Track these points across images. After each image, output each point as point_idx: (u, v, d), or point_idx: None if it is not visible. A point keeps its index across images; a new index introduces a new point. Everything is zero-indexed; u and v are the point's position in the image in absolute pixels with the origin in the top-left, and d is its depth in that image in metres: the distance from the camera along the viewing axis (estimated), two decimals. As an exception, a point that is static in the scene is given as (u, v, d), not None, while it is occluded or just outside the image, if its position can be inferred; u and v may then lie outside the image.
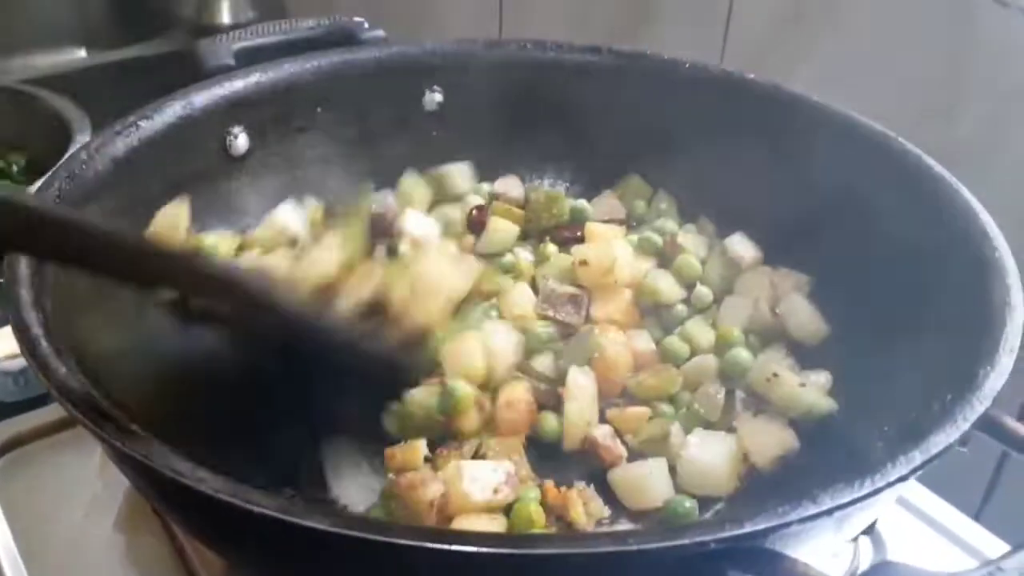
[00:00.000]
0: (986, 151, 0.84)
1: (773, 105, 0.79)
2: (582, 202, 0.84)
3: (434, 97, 0.86)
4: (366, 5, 1.49)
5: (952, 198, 0.66)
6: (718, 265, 0.79)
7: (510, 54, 0.86)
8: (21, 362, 0.87)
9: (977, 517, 0.77)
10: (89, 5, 2.01)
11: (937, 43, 0.87)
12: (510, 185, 0.87)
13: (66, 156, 0.62)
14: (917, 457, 0.45)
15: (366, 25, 0.86)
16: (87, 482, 0.74)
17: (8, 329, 0.93)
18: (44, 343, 0.51)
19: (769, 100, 0.79)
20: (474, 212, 0.83)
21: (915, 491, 0.77)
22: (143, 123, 0.71)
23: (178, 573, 0.67)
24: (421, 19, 1.38)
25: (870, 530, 0.69)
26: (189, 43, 1.64)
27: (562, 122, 0.86)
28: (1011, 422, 0.50)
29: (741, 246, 0.79)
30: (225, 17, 1.68)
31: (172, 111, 0.73)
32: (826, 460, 0.64)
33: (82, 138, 1.16)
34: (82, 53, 2.00)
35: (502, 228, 0.82)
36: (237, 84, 0.77)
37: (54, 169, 0.64)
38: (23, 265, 0.56)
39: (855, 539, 0.69)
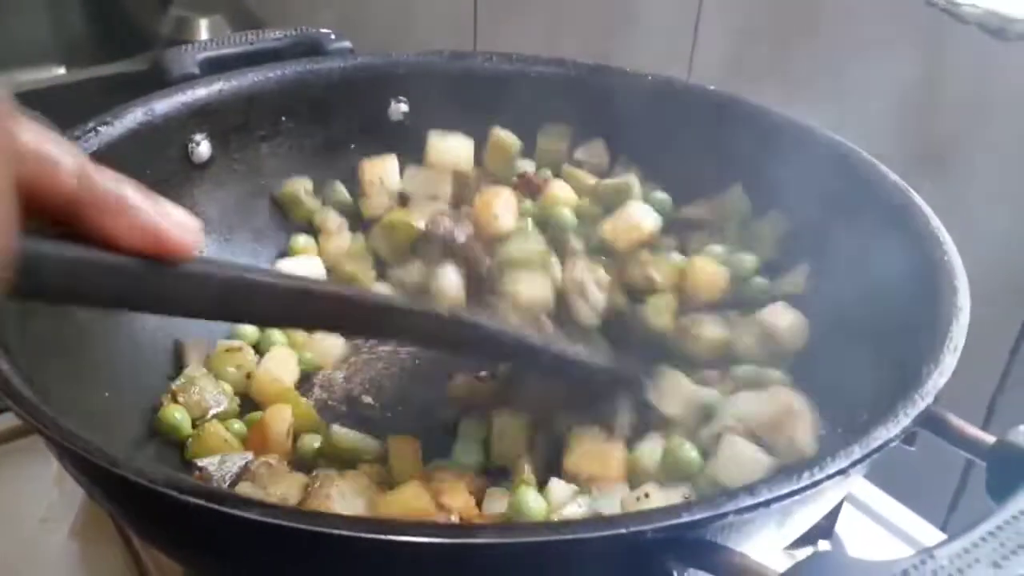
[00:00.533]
0: (954, 163, 0.86)
1: (731, 116, 0.80)
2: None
3: (399, 107, 0.86)
4: (343, 22, 1.51)
5: (906, 204, 0.67)
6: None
7: (475, 66, 0.86)
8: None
9: (944, 527, 0.78)
10: (68, 23, 2.02)
11: (905, 58, 0.88)
12: (595, 152, 0.86)
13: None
14: (856, 451, 0.45)
15: (333, 36, 0.87)
16: (44, 490, 0.73)
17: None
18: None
19: (727, 111, 0.80)
20: (519, 178, 0.84)
21: (879, 500, 0.77)
22: (103, 128, 0.71)
23: (133, 579, 0.67)
24: (398, 35, 1.40)
25: (829, 534, 0.69)
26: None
27: (524, 133, 0.86)
28: (954, 419, 0.50)
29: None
30: (203, 35, 1.69)
31: (133, 117, 0.73)
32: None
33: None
34: (61, 70, 2.01)
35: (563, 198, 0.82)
36: (200, 92, 0.77)
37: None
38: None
39: (815, 543, 0.69)
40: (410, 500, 0.57)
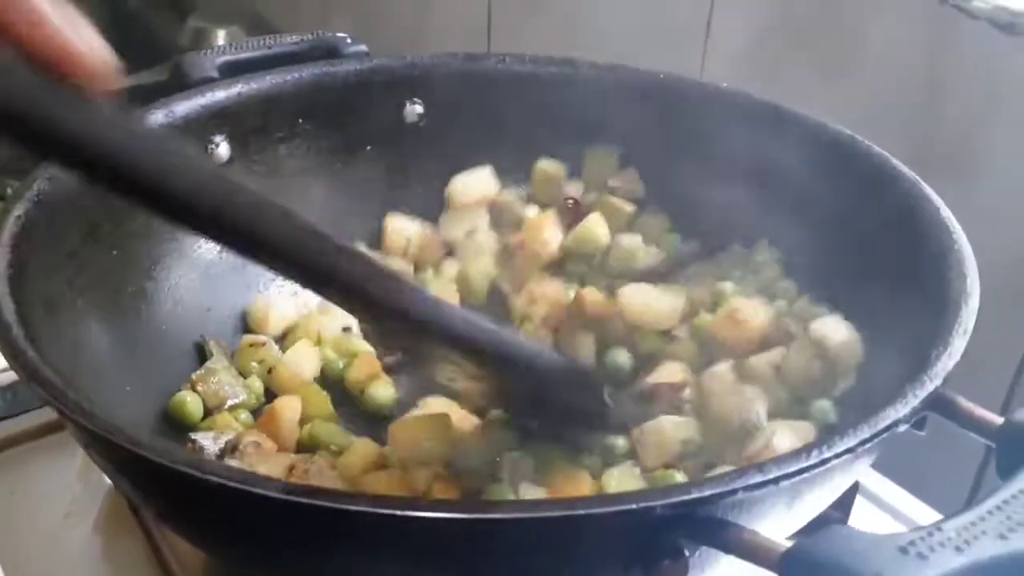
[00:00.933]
0: (965, 158, 0.86)
1: (744, 113, 0.81)
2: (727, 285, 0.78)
3: (415, 108, 0.88)
4: (360, 28, 1.53)
5: (916, 196, 0.68)
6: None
7: (488, 67, 0.88)
8: (9, 376, 0.88)
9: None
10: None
11: (913, 54, 0.88)
12: (629, 179, 0.87)
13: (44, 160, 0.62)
14: (865, 430, 0.46)
15: (349, 40, 0.88)
16: (67, 486, 0.75)
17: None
18: (24, 344, 0.51)
19: (739, 108, 0.81)
20: (570, 203, 0.86)
21: (896, 495, 0.77)
22: (125, 130, 0.72)
23: (155, 572, 0.68)
24: (412, 41, 1.41)
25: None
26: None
27: (541, 133, 0.88)
28: (964, 402, 0.51)
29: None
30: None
31: (154, 119, 0.74)
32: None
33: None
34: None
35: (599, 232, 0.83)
36: (219, 94, 0.78)
37: (34, 171, 0.65)
38: (3, 261, 0.58)
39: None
40: (392, 484, 0.58)
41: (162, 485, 0.46)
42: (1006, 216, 0.83)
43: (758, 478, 0.43)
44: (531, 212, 0.87)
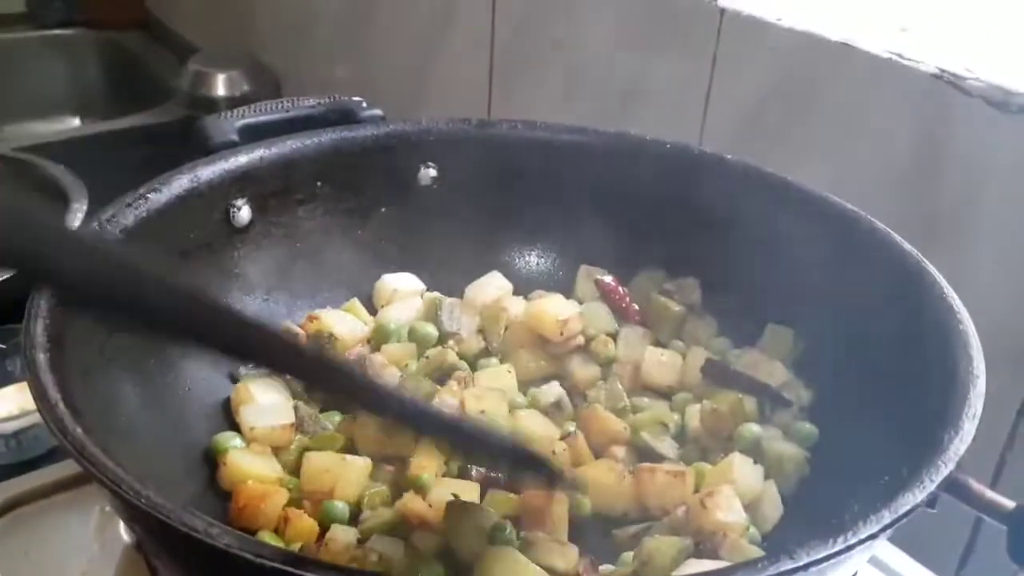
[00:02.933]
0: (956, 233, 0.89)
1: (748, 184, 0.84)
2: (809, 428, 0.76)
3: (428, 172, 0.90)
4: (362, 83, 1.56)
5: (919, 274, 0.70)
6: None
7: (501, 133, 0.90)
8: (15, 425, 0.89)
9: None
10: (84, 76, 2.07)
11: (908, 128, 0.92)
12: (687, 286, 0.87)
13: (77, 224, 0.65)
14: (886, 516, 0.48)
15: (364, 104, 0.91)
16: (85, 543, 0.75)
17: (1, 392, 0.96)
18: (62, 406, 0.53)
19: (744, 179, 0.84)
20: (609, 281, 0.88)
21: (893, 555, 0.79)
22: (152, 195, 0.74)
23: (173, 633, 0.69)
24: (415, 98, 1.44)
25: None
26: (184, 114, 1.70)
27: (551, 198, 0.90)
28: (976, 484, 0.53)
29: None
30: (220, 90, 1.74)
31: (180, 184, 0.76)
32: (803, 521, 0.67)
33: (79, 206, 1.19)
34: (76, 122, 2.06)
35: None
36: (241, 159, 0.80)
37: (68, 239, 0.67)
38: (40, 328, 0.59)
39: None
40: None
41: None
42: (994, 288, 0.85)
43: (789, 565, 0.45)
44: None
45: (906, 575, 0.78)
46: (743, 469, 0.70)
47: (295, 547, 0.65)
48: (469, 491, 0.71)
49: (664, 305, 0.86)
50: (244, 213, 0.81)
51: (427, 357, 0.81)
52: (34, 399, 0.54)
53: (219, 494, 0.70)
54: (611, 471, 0.72)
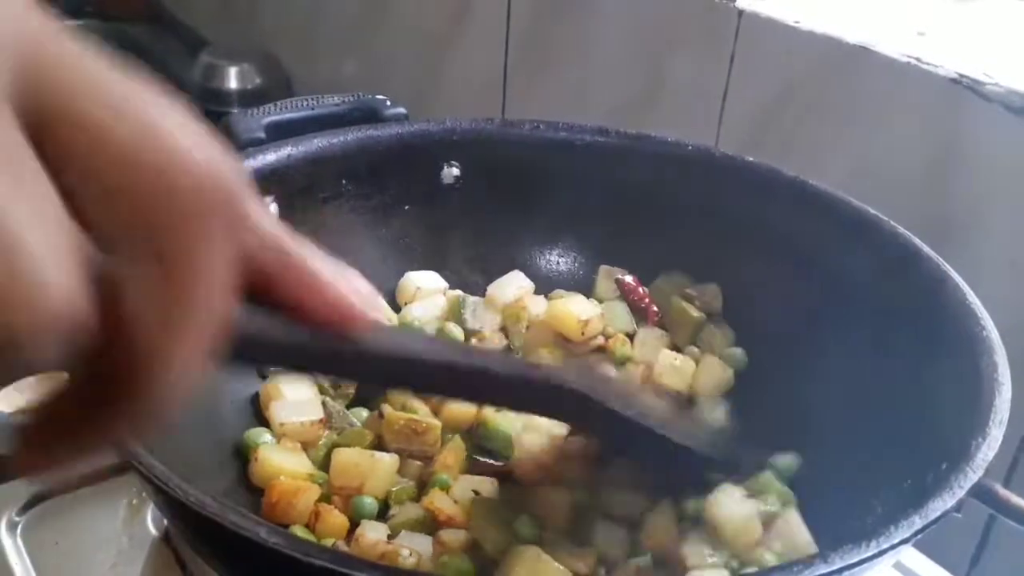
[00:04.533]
0: (975, 234, 0.90)
1: (770, 188, 0.84)
2: None
3: (451, 171, 0.91)
4: (374, 79, 1.56)
5: (941, 279, 0.71)
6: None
7: (524, 133, 0.91)
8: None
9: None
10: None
11: (925, 131, 0.93)
12: (709, 292, 0.87)
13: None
14: (917, 521, 0.49)
15: (388, 103, 0.92)
16: (113, 536, 0.76)
17: (19, 383, 0.97)
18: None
19: (766, 183, 0.85)
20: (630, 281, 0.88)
21: (906, 553, 0.80)
22: (183, 193, 0.74)
23: (202, 625, 0.70)
24: (427, 95, 1.45)
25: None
26: (195, 107, 1.71)
27: (572, 198, 0.91)
28: (1002, 490, 0.54)
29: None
30: (232, 83, 1.74)
31: (210, 182, 0.77)
32: (824, 524, 0.69)
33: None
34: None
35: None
36: (270, 157, 0.81)
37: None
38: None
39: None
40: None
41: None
42: (1009, 292, 0.86)
43: (824, 569, 0.46)
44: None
45: (919, 573, 0.79)
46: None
47: (328, 542, 0.66)
48: (488, 486, 0.72)
49: (683, 309, 0.86)
50: (272, 210, 0.82)
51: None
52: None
53: (250, 488, 0.71)
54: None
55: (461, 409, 0.77)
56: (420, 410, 0.77)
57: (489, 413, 0.77)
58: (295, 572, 0.46)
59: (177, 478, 0.49)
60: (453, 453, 0.75)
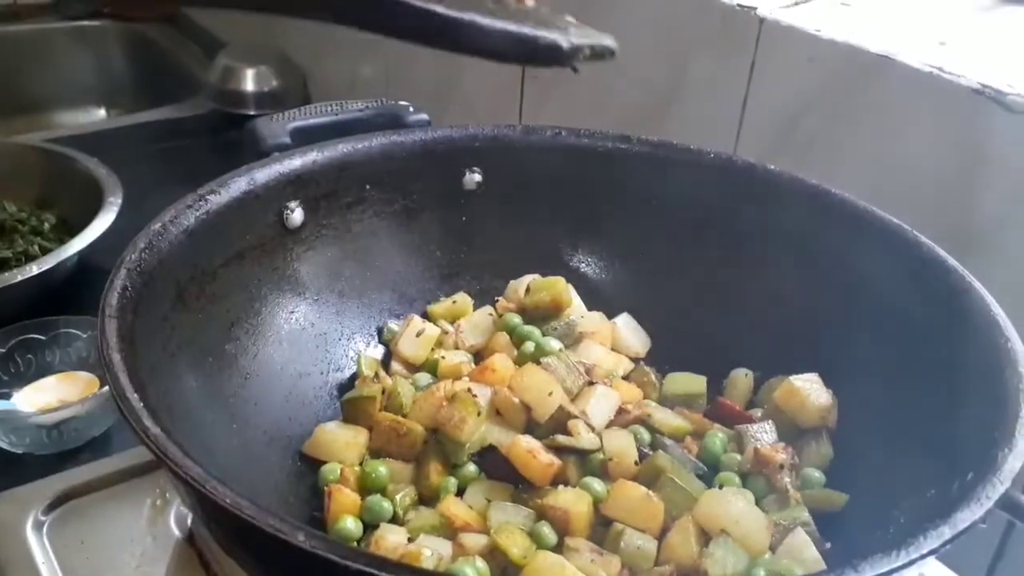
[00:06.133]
0: (997, 245, 0.90)
1: (793, 196, 0.85)
2: None
3: (474, 177, 0.92)
4: (389, 84, 1.56)
5: (965, 289, 0.71)
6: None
7: (545, 140, 0.92)
8: (55, 416, 0.91)
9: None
10: (111, 67, 2.08)
11: (948, 141, 0.93)
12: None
13: (147, 227, 0.68)
14: (946, 532, 0.50)
15: (411, 109, 0.92)
16: (138, 536, 0.77)
17: (40, 383, 0.98)
18: (140, 406, 0.54)
19: (789, 191, 0.85)
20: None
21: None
22: (211, 197, 0.75)
23: (226, 624, 0.71)
24: (443, 99, 1.45)
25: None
26: (212, 108, 1.71)
27: (593, 204, 0.92)
28: (1026, 500, 0.55)
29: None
30: (249, 85, 1.74)
31: (237, 186, 0.78)
32: (846, 534, 0.69)
33: (114, 200, 1.20)
34: (101, 113, 2.07)
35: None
36: (295, 162, 0.82)
37: (133, 240, 0.69)
38: (113, 328, 0.60)
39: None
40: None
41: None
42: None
43: (854, 577, 0.46)
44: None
45: (936, 579, 0.79)
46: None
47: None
48: (501, 493, 0.73)
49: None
50: (297, 215, 0.83)
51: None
52: (114, 399, 0.55)
53: (275, 486, 0.72)
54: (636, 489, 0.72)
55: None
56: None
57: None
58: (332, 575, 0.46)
59: (214, 480, 0.49)
60: (433, 456, 0.76)
